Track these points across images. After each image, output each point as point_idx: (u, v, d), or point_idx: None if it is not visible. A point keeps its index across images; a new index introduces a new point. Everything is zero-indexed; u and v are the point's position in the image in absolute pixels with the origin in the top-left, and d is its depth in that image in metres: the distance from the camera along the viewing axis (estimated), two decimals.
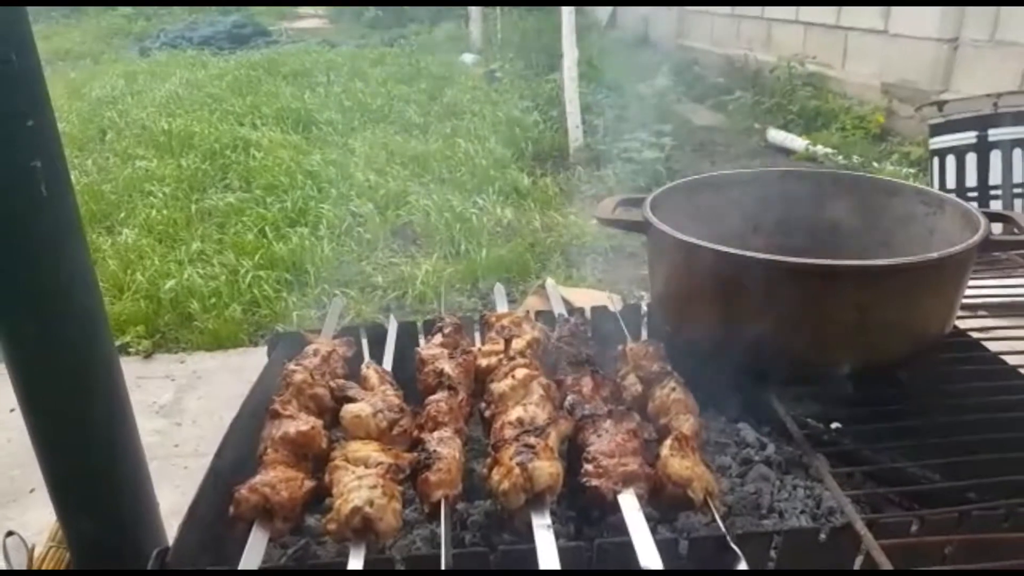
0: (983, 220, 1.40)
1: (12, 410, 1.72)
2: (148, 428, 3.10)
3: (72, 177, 1.61)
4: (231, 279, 4.41)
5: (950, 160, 4.16)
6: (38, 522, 2.39)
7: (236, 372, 3.65)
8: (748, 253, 1.34)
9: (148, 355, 3.94)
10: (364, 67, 9.96)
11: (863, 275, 1.29)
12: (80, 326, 1.60)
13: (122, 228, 5.13)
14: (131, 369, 3.57)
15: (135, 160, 6.36)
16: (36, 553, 1.86)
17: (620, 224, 1.64)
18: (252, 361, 3.59)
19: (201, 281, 4.36)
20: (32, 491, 2.84)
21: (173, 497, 2.08)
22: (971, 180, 4.09)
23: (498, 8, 11.42)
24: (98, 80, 9.42)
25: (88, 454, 1.68)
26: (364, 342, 1.81)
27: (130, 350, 3.91)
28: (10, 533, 1.89)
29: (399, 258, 4.78)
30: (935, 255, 1.28)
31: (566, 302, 2.08)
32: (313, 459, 1.30)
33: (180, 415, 3.42)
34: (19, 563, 1.86)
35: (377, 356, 1.72)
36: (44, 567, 1.85)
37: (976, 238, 1.33)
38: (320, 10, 16.27)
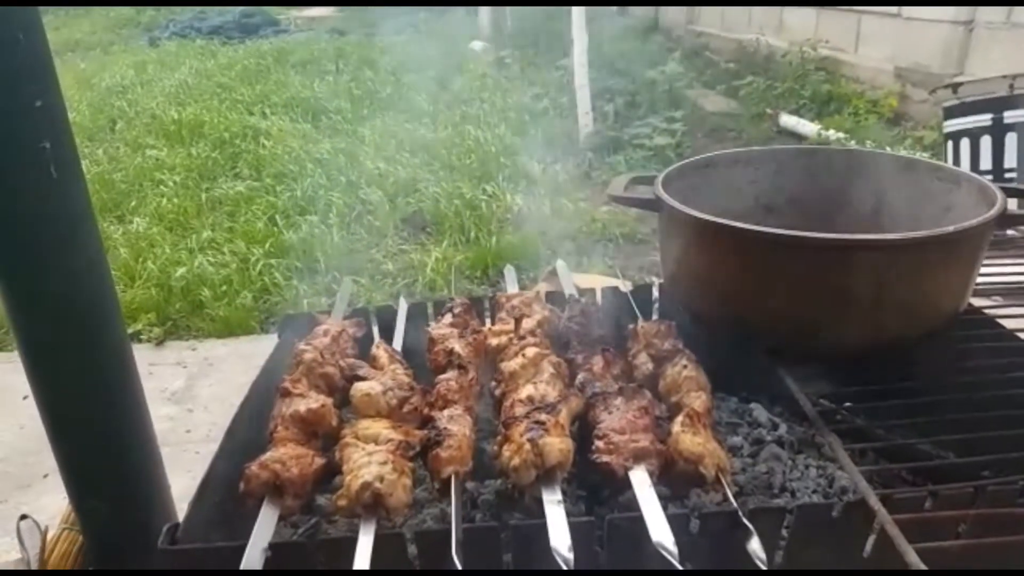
0: (1000, 195, 1.38)
1: (25, 397, 1.73)
2: (160, 414, 3.11)
3: (83, 166, 1.61)
4: (242, 267, 4.42)
5: (964, 143, 4.10)
6: (52, 506, 2.40)
7: (247, 359, 3.65)
8: (762, 228, 1.32)
9: (160, 342, 3.96)
10: (373, 55, 9.93)
11: (878, 250, 1.27)
12: (92, 313, 1.61)
13: (133, 217, 5.15)
14: (143, 356, 3.57)
15: (145, 149, 6.39)
16: (49, 536, 1.88)
17: (632, 202, 1.63)
18: (263, 348, 3.57)
19: (212, 269, 4.37)
20: (46, 476, 2.85)
21: (185, 482, 2.08)
22: (986, 163, 4.03)
23: None
24: (108, 70, 9.45)
25: (100, 440, 1.70)
26: (375, 324, 1.81)
27: (142, 337, 3.93)
28: (24, 516, 1.91)
29: (409, 246, 4.78)
30: (951, 228, 1.26)
31: (577, 287, 2.07)
32: (323, 437, 1.31)
33: (192, 401, 3.43)
34: (33, 546, 1.88)
35: (387, 338, 1.72)
36: (57, 550, 1.86)
37: (992, 212, 1.31)
38: None
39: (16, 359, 1.62)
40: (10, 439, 3.12)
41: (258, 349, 3.69)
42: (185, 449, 3.02)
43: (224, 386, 3.50)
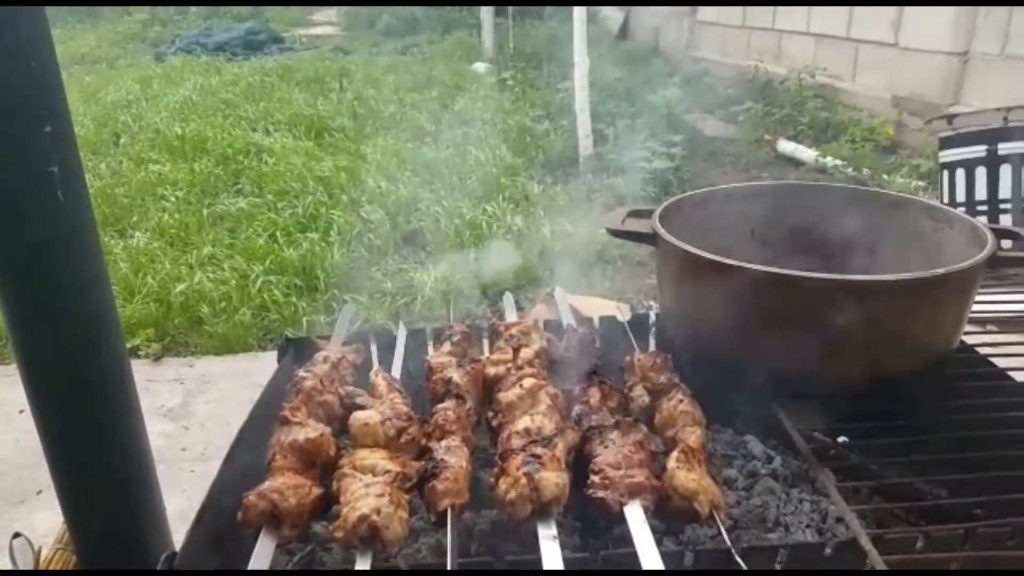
0: (991, 236, 1.41)
1: (22, 411, 1.74)
2: (156, 431, 3.09)
3: (87, 181, 1.63)
4: (241, 283, 4.44)
5: (960, 173, 4.15)
6: (45, 524, 2.40)
7: (244, 376, 3.67)
8: (756, 266, 1.34)
9: (157, 358, 3.97)
10: (377, 74, 10.02)
11: (871, 290, 1.30)
12: (92, 330, 1.62)
13: (134, 231, 5.18)
14: (140, 372, 3.57)
15: (148, 164, 6.42)
16: (43, 556, 1.87)
17: (629, 236, 1.65)
18: (261, 365, 3.60)
19: (211, 285, 4.39)
20: (39, 493, 2.86)
21: (179, 501, 2.09)
22: (981, 194, 4.07)
23: (510, 17, 11.47)
24: (113, 84, 9.51)
25: (97, 457, 1.70)
26: (373, 349, 1.82)
27: (140, 353, 3.94)
28: (17, 535, 1.90)
29: (409, 264, 4.81)
30: (942, 271, 1.28)
31: (574, 311, 2.09)
32: (321, 466, 1.31)
33: (188, 419, 3.44)
34: (25, 565, 1.87)
35: (386, 363, 1.73)
36: (50, 569, 1.86)
37: (983, 255, 1.34)
38: (333, 17, 16.36)
39: (14, 372, 1.63)
40: (5, 453, 3.12)
41: (255, 367, 3.71)
42: (180, 467, 3.03)
43: (220, 404, 3.51)
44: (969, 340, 1.75)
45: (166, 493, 1.94)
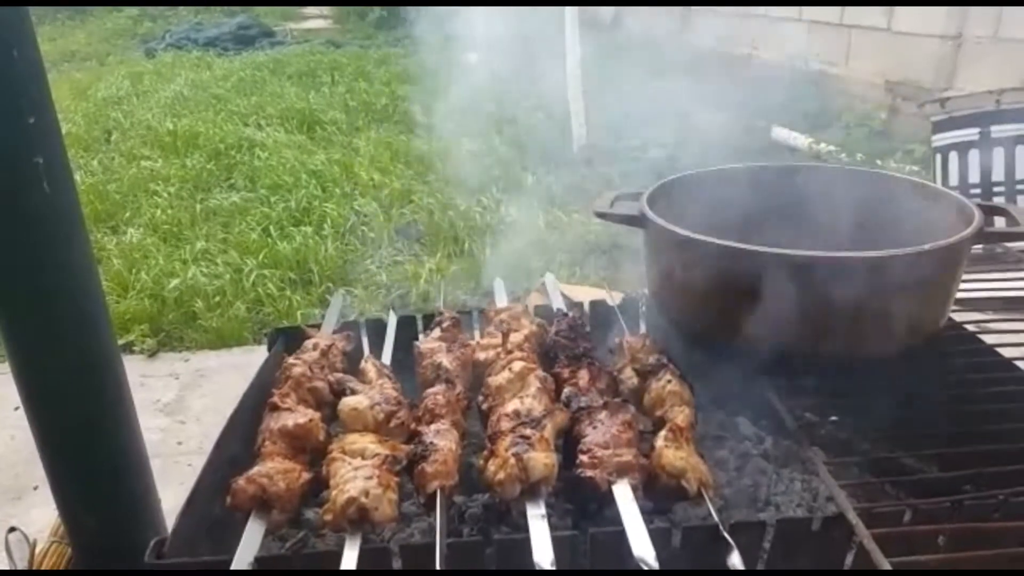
0: (977, 213, 1.41)
1: (16, 408, 1.74)
2: (152, 426, 3.11)
3: (77, 177, 1.63)
4: (235, 278, 4.43)
5: (953, 157, 4.16)
6: (41, 519, 2.40)
7: (240, 370, 3.65)
8: (743, 246, 1.34)
9: (152, 354, 3.96)
10: (368, 67, 9.97)
11: (858, 267, 1.30)
12: (82, 324, 1.62)
13: (127, 228, 5.15)
14: (135, 367, 3.59)
15: (140, 160, 6.39)
16: (38, 549, 1.88)
17: (618, 218, 1.65)
18: (256, 359, 3.56)
19: (205, 280, 4.38)
20: (36, 488, 2.85)
21: (176, 494, 2.08)
22: (974, 177, 4.08)
23: None
24: (103, 81, 9.46)
25: (90, 451, 1.70)
26: (364, 337, 1.82)
27: (135, 349, 3.93)
28: (12, 529, 1.91)
29: (403, 256, 4.80)
30: (927, 247, 1.28)
31: (566, 298, 2.09)
32: (311, 452, 1.32)
33: (184, 413, 3.43)
34: (21, 559, 1.87)
35: (376, 351, 1.73)
36: (46, 563, 1.86)
37: (969, 230, 1.34)
38: (325, 11, 16.27)
39: (7, 370, 1.63)
40: (1, 451, 3.12)
41: (251, 360, 3.69)
42: (176, 461, 3.03)
43: (216, 397, 3.50)
44: (959, 318, 1.76)
45: (162, 487, 1.94)
